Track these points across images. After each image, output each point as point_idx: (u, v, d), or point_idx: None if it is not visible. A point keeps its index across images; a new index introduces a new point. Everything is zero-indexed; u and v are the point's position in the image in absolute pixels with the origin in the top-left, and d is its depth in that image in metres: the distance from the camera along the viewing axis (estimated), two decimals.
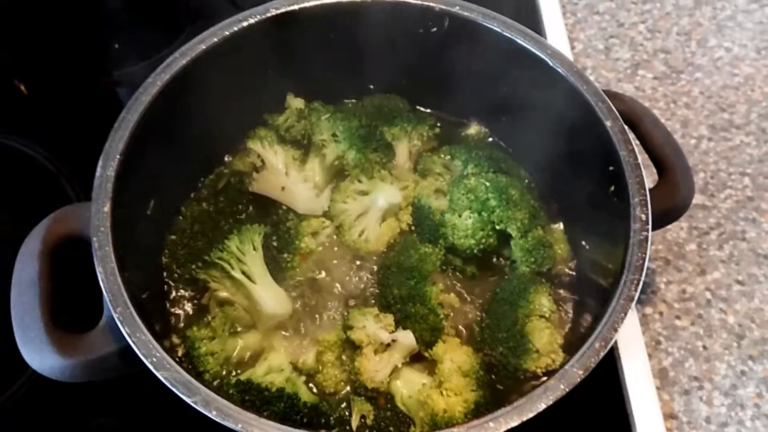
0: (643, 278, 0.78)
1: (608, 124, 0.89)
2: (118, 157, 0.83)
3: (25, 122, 1.27)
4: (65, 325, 0.78)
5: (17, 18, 1.38)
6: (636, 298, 0.76)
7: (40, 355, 0.75)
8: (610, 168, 0.88)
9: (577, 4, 1.48)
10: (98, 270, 0.76)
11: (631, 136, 0.91)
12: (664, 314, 1.08)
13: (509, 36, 0.97)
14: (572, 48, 1.39)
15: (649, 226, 0.81)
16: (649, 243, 0.80)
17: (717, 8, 1.48)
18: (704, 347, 1.05)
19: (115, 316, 0.74)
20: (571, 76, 0.93)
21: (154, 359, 0.72)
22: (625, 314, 0.75)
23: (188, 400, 0.70)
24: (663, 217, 0.89)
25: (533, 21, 1.36)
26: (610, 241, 0.87)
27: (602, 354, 0.73)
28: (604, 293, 0.85)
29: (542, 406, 0.70)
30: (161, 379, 0.71)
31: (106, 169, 0.82)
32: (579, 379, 0.71)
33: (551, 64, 0.94)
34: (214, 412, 0.69)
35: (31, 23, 1.39)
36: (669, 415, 0.99)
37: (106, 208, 0.80)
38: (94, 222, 0.79)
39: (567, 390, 0.71)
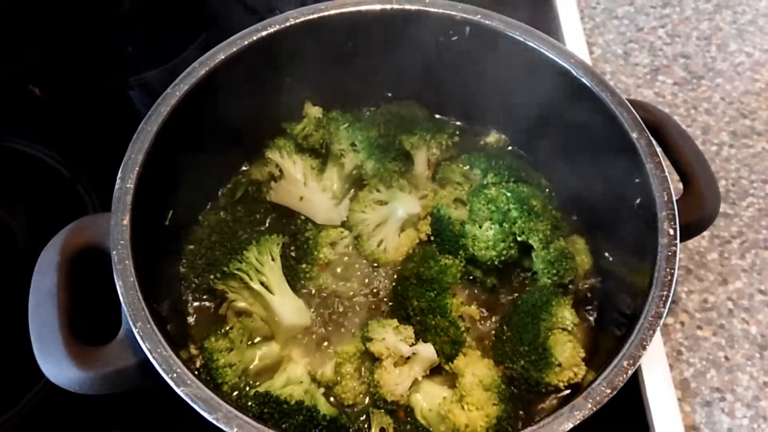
0: (671, 294, 0.76)
1: (634, 135, 0.87)
2: (137, 168, 0.82)
3: (40, 127, 1.27)
4: (82, 336, 0.77)
5: (32, 22, 1.38)
6: (665, 315, 0.75)
7: (58, 367, 0.75)
8: (636, 180, 0.87)
9: (596, 8, 1.47)
10: (118, 284, 0.76)
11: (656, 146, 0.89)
12: (686, 324, 1.07)
13: (531, 45, 0.96)
14: (591, 53, 1.38)
15: (677, 241, 0.80)
16: (677, 258, 0.78)
17: (737, 12, 1.46)
18: (726, 358, 1.04)
19: (135, 331, 0.73)
20: (596, 86, 0.91)
21: (175, 375, 0.71)
22: (654, 332, 0.74)
23: (209, 417, 0.69)
24: (688, 230, 0.87)
25: (551, 25, 1.35)
26: (636, 253, 0.86)
27: (630, 372, 0.72)
28: (629, 307, 0.84)
29: (569, 426, 0.69)
30: (182, 395, 0.70)
31: (126, 181, 0.81)
32: (606, 398, 0.70)
33: (575, 73, 0.93)
34: (236, 429, 0.68)
35: (45, 28, 1.39)
36: (690, 427, 0.98)
37: (126, 221, 0.79)
38: (114, 235, 0.78)
39: (594, 409, 0.70)
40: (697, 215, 0.88)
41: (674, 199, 0.84)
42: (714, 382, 1.02)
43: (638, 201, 0.88)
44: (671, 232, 0.80)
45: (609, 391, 0.71)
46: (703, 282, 1.11)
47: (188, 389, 0.70)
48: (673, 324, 1.06)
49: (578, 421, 0.69)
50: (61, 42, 1.38)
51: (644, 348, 0.73)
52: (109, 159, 0.87)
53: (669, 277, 0.77)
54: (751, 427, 0.98)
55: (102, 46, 1.39)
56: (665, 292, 0.77)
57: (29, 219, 1.15)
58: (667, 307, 0.76)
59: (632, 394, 0.96)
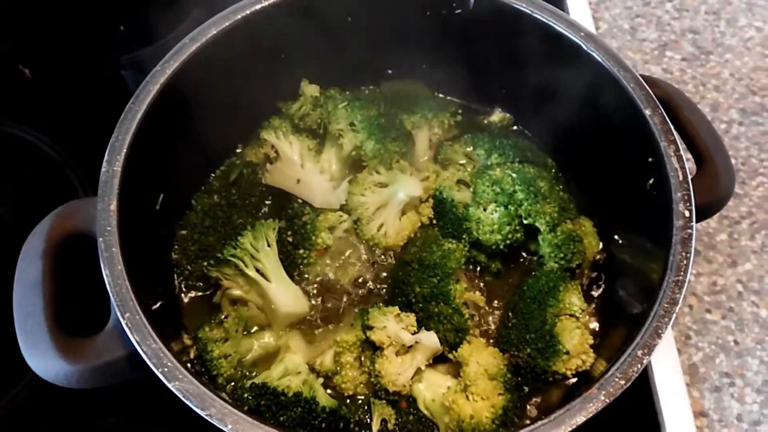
0: (687, 279, 0.73)
1: (647, 113, 0.84)
2: (124, 150, 0.79)
3: (29, 109, 1.23)
4: (70, 327, 0.74)
5: (22, 2, 1.33)
6: (680, 301, 0.72)
7: (44, 360, 0.72)
8: (649, 159, 0.84)
9: None
10: (105, 273, 0.73)
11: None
12: (694, 308, 1.04)
13: (539, 17, 0.92)
14: (596, 28, 1.35)
15: (693, 223, 0.77)
16: (693, 241, 0.75)
17: None
18: (736, 342, 1.02)
19: (123, 322, 0.70)
20: (608, 62, 0.88)
21: (166, 369, 0.68)
22: (669, 319, 0.71)
23: (202, 414, 0.66)
24: (701, 211, 0.84)
25: None
26: (647, 236, 0.84)
27: (645, 361, 0.69)
28: (640, 293, 0.81)
29: (581, 420, 0.66)
30: (173, 390, 0.67)
31: (113, 164, 0.78)
32: (621, 390, 0.67)
33: (585, 48, 0.90)
34: (230, 426, 0.65)
35: (35, 6, 1.34)
36: (699, 413, 0.96)
37: (113, 206, 0.76)
38: (101, 221, 0.75)
39: (608, 401, 0.67)
40: (711, 196, 0.85)
41: (690, 178, 0.80)
42: (723, 367, 1.00)
43: (651, 181, 0.85)
44: (687, 213, 0.77)
45: (623, 382, 0.68)
46: (712, 264, 1.08)
47: (180, 384, 0.67)
48: (681, 307, 1.04)
49: (591, 414, 0.66)
50: (51, 21, 1.34)
51: (659, 336, 0.70)
52: (100, 141, 0.84)
53: (685, 262, 0.75)
54: (762, 413, 0.96)
55: (92, 24, 1.35)
56: (680, 277, 0.74)
57: (17, 204, 1.13)
58: (683, 292, 0.73)
59: (640, 380, 0.91)
